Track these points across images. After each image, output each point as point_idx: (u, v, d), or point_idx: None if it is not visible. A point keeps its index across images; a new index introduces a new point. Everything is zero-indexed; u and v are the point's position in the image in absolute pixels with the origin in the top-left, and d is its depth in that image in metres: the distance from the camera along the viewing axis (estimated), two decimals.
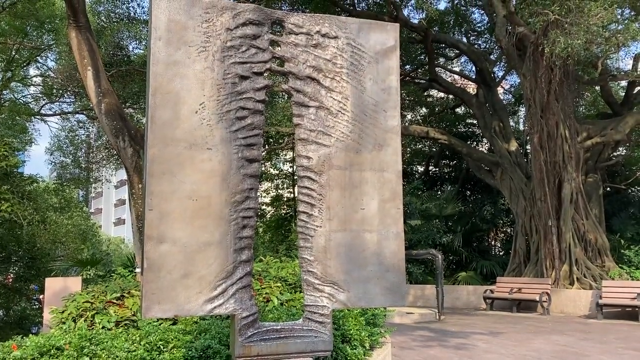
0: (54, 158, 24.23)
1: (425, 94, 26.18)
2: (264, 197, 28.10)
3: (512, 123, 24.11)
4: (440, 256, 15.38)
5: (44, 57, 23.21)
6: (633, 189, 22.20)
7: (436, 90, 25.39)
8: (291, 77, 3.91)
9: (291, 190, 27.08)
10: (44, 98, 23.71)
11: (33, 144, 25.16)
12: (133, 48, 20.74)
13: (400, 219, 4.05)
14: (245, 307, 3.62)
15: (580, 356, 8.88)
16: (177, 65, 3.56)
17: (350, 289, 3.88)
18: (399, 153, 4.09)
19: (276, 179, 28.21)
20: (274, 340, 3.69)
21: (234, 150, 3.67)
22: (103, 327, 5.76)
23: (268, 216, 28.23)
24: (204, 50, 3.62)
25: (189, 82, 3.58)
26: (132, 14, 20.27)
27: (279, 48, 3.91)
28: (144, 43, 19.61)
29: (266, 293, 7.03)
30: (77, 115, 24.14)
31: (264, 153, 22.68)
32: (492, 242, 25.19)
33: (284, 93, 3.86)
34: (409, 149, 27.31)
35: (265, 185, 28.11)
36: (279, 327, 3.75)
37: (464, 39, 23.64)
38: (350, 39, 4.01)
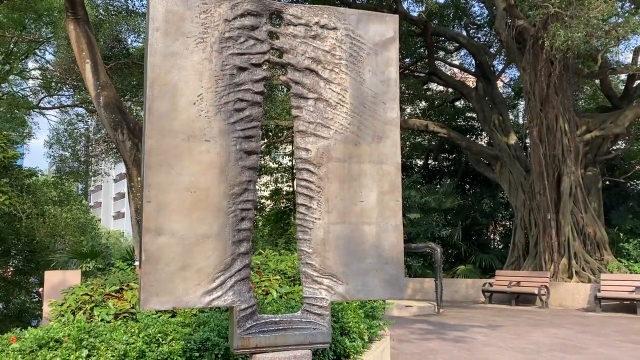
0: (52, 151, 24.19)
1: (425, 87, 26.14)
2: (263, 190, 28.10)
3: (511, 116, 24.10)
4: (439, 249, 15.40)
5: (43, 50, 23.14)
6: (632, 182, 22.21)
7: (435, 84, 25.37)
8: (290, 68, 3.88)
9: (290, 184, 27.08)
10: (43, 91, 23.64)
11: (32, 137, 25.12)
12: (131, 41, 20.69)
13: (399, 211, 4.04)
14: (244, 299, 3.62)
15: (578, 349, 8.90)
16: (174, 56, 3.54)
17: (349, 281, 3.87)
18: (398, 145, 4.07)
19: (275, 173, 28.21)
20: (272, 332, 3.69)
21: (232, 142, 3.65)
22: (102, 320, 5.76)
23: (267, 210, 28.25)
24: (202, 41, 3.60)
25: (186, 74, 3.56)
26: (130, 7, 20.21)
27: (278, 39, 3.89)
28: (142, 36, 19.56)
29: (265, 286, 7.04)
30: (75, 109, 24.11)
31: (263, 146, 22.66)
32: (491, 236, 25.24)
33: (283, 86, 3.84)
34: (408, 143, 27.30)
35: (265, 178, 28.12)
36: (277, 319, 3.75)
37: (464, 32, 23.58)
38: (349, 30, 3.99)
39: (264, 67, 3.81)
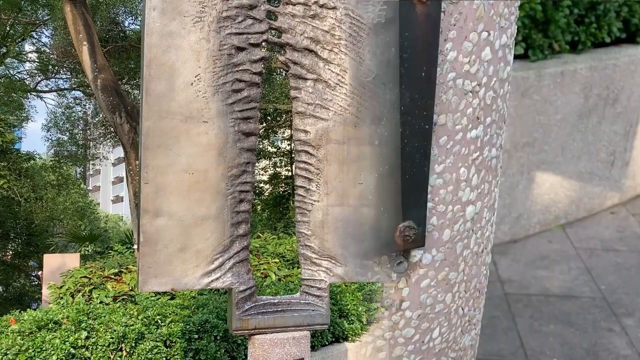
0: (50, 135, 24.10)
1: None
2: (262, 175, 28.09)
3: None
4: None
5: (39, 33, 22.91)
6: None
7: None
8: (288, 48, 3.83)
9: (289, 168, 27.05)
10: (40, 74, 23.47)
11: (29, 120, 24.99)
12: (129, 24, 20.52)
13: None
14: (243, 280, 3.61)
15: None
16: (172, 36, 3.48)
17: (347, 263, 3.86)
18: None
19: (274, 157, 28.18)
20: (271, 314, 3.69)
21: (230, 123, 3.61)
22: (101, 302, 5.78)
23: (266, 194, 28.26)
24: (199, 20, 3.55)
25: (184, 54, 3.51)
26: None
27: (276, 19, 3.84)
28: (139, 19, 19.39)
29: (264, 269, 7.05)
30: (73, 92, 23.96)
31: (261, 130, 22.60)
32: None
33: (281, 70, 3.80)
34: None
35: (263, 163, 28.09)
36: (276, 301, 3.74)
37: None
38: (349, 10, 3.93)
39: (263, 47, 3.77)
